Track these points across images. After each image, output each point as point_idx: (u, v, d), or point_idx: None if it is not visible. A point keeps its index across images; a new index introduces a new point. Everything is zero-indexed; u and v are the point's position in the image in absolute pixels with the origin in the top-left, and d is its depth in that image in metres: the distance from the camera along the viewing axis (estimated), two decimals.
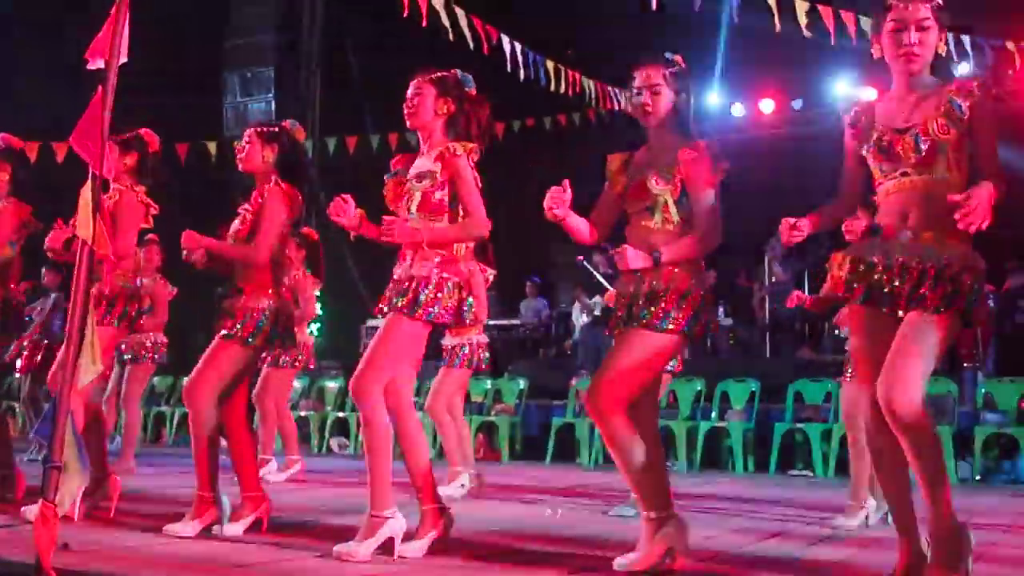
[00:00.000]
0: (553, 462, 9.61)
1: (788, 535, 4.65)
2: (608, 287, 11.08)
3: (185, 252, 4.15)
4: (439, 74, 3.80)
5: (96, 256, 3.01)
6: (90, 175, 3.01)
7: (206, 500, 4.08)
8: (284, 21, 14.06)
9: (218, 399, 4.11)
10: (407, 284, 3.63)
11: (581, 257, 11.50)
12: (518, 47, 7.29)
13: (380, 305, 3.71)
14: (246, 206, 4.23)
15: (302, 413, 11.22)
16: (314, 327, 10.22)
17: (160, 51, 13.46)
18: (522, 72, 7.67)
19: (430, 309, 3.59)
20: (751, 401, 9.34)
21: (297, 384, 11.94)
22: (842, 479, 6.58)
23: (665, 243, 3.39)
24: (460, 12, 6.01)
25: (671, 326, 3.33)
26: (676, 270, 3.37)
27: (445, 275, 3.64)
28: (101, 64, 3.08)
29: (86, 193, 2.99)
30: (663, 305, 3.34)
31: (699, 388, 9.52)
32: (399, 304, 3.61)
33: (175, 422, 11.86)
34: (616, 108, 11.63)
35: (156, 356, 7.44)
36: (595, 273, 11.32)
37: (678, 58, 3.54)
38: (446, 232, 3.68)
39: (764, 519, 5.30)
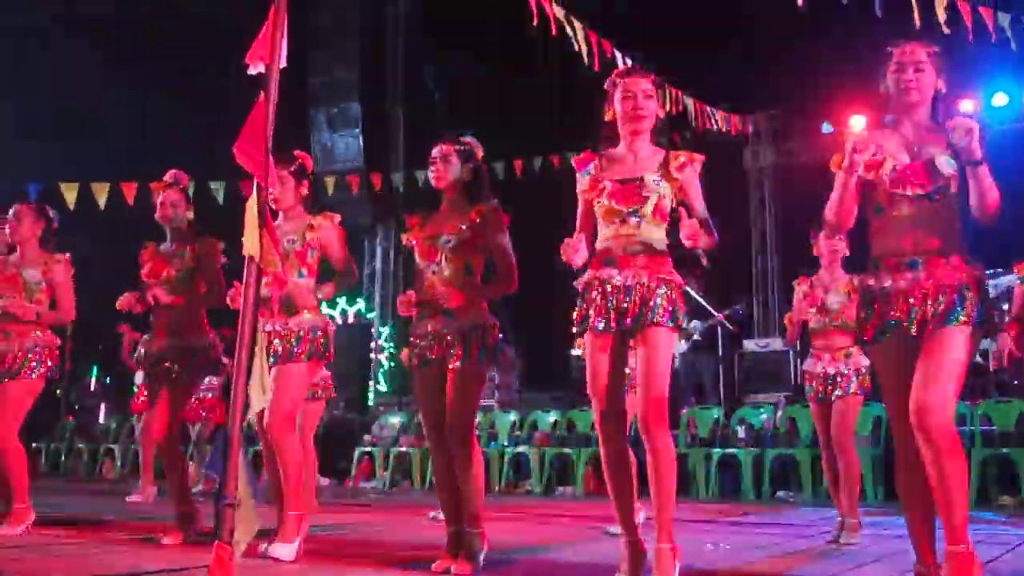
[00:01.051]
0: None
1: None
2: (712, 312, 10.79)
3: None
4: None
5: (263, 273, 2.76)
6: (255, 186, 2.78)
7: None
8: (367, 58, 14.04)
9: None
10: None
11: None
12: (629, 62, 7.04)
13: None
14: (462, 226, 3.92)
15: (403, 448, 10.99)
16: None
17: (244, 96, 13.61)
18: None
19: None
20: (877, 427, 8.85)
21: (396, 420, 11.77)
22: None
23: None
24: (578, 25, 5.77)
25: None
26: None
27: None
28: (261, 68, 2.86)
29: (251, 206, 2.75)
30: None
31: None
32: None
33: None
34: (714, 127, 11.29)
35: (324, 392, 7.06)
36: (696, 296, 10.91)
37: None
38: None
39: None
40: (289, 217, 4.43)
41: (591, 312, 3.43)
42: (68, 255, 5.26)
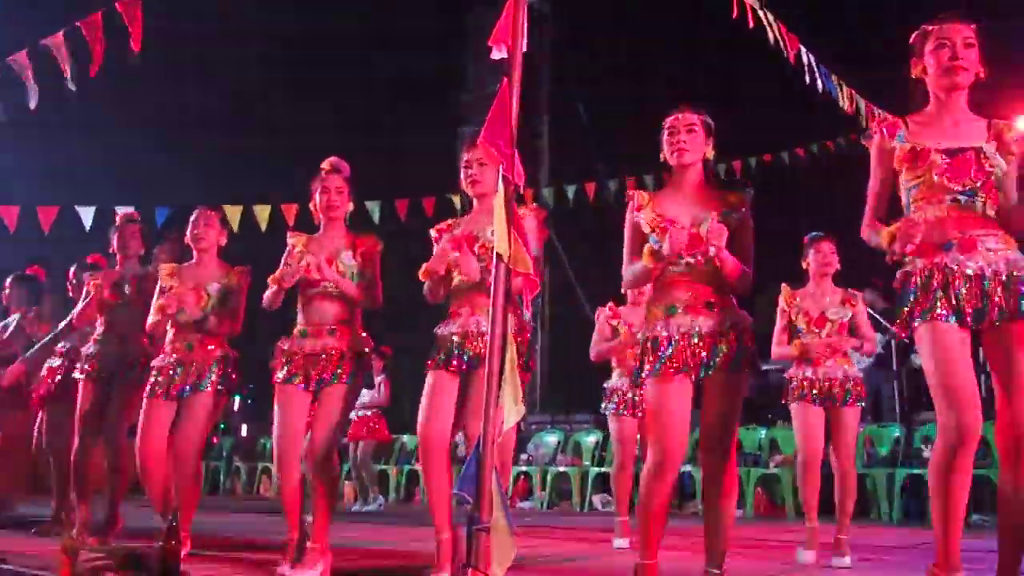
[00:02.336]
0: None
1: None
2: (886, 324, 10.21)
3: None
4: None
5: (513, 275, 2.51)
6: (500, 179, 2.54)
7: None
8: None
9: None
10: None
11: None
12: (812, 59, 6.64)
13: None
14: (724, 212, 3.49)
15: (561, 469, 10.72)
16: None
17: (397, 107, 13.70)
18: (820, 85, 6.98)
19: None
20: None
21: (553, 439, 11.52)
22: None
23: None
24: (771, 16, 5.43)
25: None
26: None
27: None
28: (504, 53, 2.63)
29: (499, 202, 2.51)
30: None
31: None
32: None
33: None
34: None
35: None
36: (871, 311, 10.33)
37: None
38: None
39: None
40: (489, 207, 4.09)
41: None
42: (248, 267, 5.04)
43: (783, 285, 5.36)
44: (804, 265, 5.31)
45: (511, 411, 2.43)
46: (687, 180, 3.48)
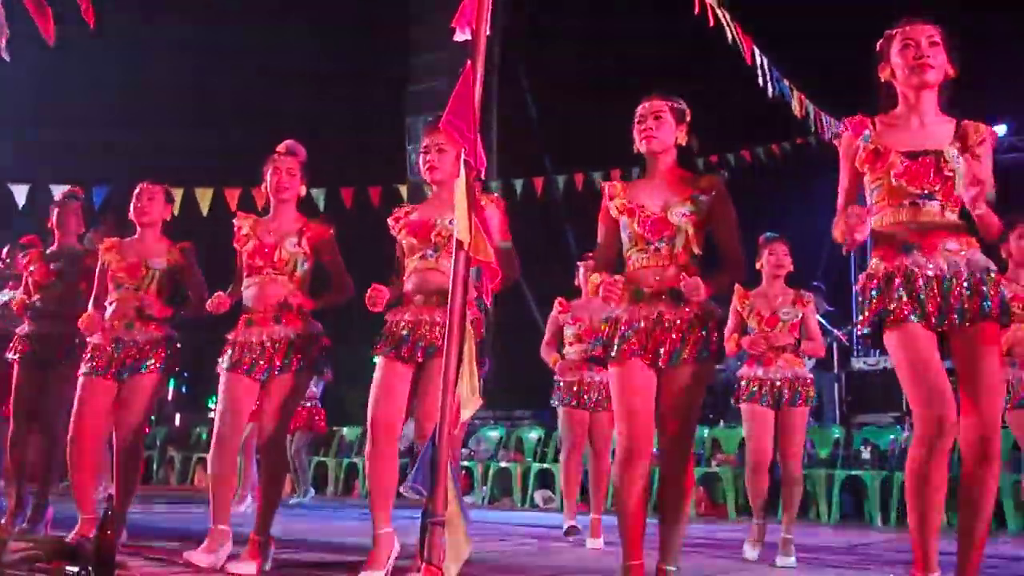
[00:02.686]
0: None
1: None
2: (828, 327, 10.33)
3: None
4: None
5: (472, 264, 2.44)
6: (462, 163, 2.47)
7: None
8: (462, 66, 13.79)
9: None
10: None
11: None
12: (766, 61, 6.67)
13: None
14: (692, 199, 3.41)
15: (503, 464, 10.67)
16: None
17: (345, 96, 13.51)
18: (770, 89, 7.01)
19: None
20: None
21: (495, 434, 11.46)
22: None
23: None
24: (728, 16, 5.42)
25: None
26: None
27: None
28: (468, 35, 2.55)
29: (460, 186, 2.44)
30: None
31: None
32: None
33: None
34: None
35: None
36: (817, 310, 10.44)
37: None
38: None
39: None
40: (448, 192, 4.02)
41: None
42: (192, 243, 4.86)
43: (736, 285, 5.32)
44: (757, 266, 5.33)
45: (467, 402, 2.36)
46: (657, 167, 3.43)
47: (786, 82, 7.62)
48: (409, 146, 13.84)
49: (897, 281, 2.98)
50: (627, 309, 3.29)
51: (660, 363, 3.20)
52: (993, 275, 2.99)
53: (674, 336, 3.19)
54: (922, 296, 2.95)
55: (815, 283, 10.34)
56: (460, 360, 2.36)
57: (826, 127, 10.23)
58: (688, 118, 3.44)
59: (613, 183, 3.46)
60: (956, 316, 2.93)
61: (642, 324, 3.24)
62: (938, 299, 2.94)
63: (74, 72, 10.52)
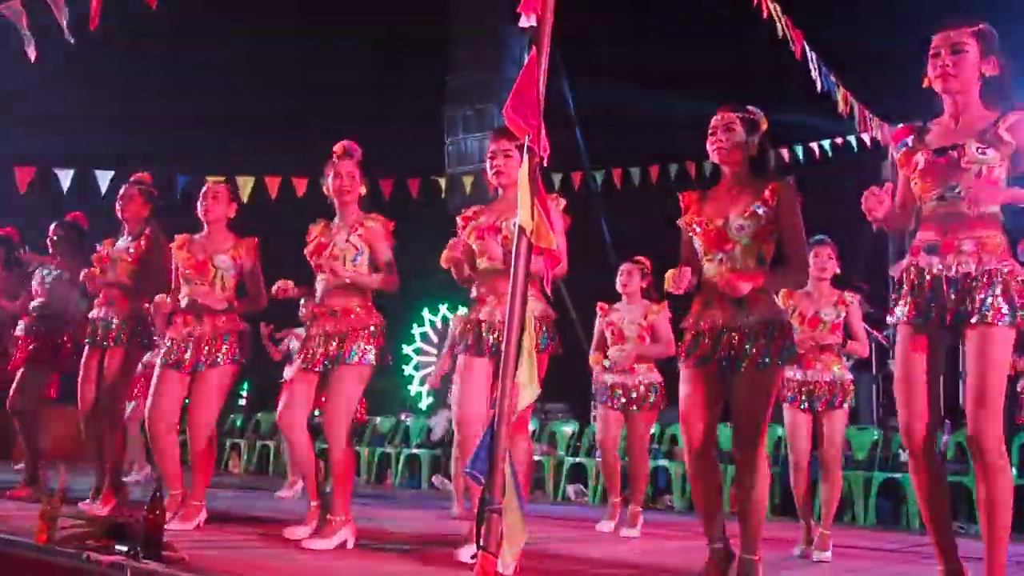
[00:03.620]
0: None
1: None
2: (870, 330, 10.22)
3: None
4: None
5: (535, 251, 2.43)
6: (526, 150, 2.46)
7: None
8: (503, 59, 13.79)
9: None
10: None
11: None
12: (815, 56, 6.61)
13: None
14: (755, 207, 3.50)
15: (537, 458, 10.65)
16: None
17: (381, 88, 13.51)
18: (819, 84, 6.94)
19: None
20: None
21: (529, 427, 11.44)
22: None
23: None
24: (779, 8, 5.38)
25: None
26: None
27: None
28: (533, 21, 2.54)
29: (523, 174, 2.43)
30: None
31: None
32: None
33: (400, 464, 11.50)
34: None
35: None
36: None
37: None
38: None
39: None
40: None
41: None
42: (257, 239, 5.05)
43: None
44: None
45: (526, 390, 2.35)
46: (730, 176, 3.59)
47: (833, 78, 7.55)
48: (447, 139, 13.84)
49: (908, 282, 3.07)
50: (698, 316, 3.48)
51: (727, 368, 3.39)
52: (1005, 275, 2.98)
53: (735, 342, 3.34)
54: (927, 294, 3.02)
55: (856, 284, 10.26)
56: (520, 348, 2.35)
57: (870, 126, 10.12)
58: (763, 128, 3.56)
59: (689, 193, 3.66)
60: (957, 317, 2.97)
61: (706, 332, 3.42)
62: (941, 299, 3.00)
63: None
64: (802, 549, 5.18)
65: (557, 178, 12.37)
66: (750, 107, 3.59)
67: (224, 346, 4.84)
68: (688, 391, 3.42)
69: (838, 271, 5.34)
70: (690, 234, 3.57)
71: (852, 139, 10.55)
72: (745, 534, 3.39)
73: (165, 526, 3.54)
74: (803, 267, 3.50)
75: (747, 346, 3.33)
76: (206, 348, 4.82)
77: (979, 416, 2.91)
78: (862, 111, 9.58)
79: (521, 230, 2.40)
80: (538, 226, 2.38)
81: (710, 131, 3.54)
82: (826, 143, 10.88)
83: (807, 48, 6.49)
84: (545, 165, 2.51)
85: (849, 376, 5.27)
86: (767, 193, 3.43)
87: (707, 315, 3.45)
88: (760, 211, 3.41)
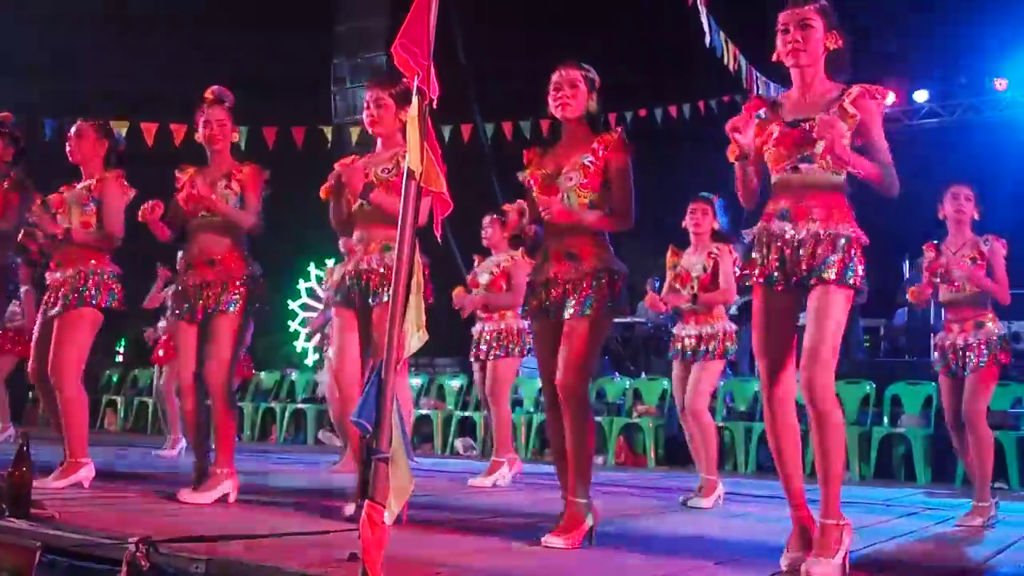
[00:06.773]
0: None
1: None
2: None
3: None
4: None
5: (423, 194, 2.36)
6: (415, 91, 2.38)
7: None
8: (393, 6, 13.51)
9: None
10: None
11: None
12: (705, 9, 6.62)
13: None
14: (586, 160, 3.63)
15: (423, 412, 10.63)
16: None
17: (269, 38, 13.10)
18: (708, 38, 6.98)
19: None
20: (927, 405, 8.55)
21: (416, 382, 11.37)
22: None
23: None
24: None
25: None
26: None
27: None
28: None
29: (412, 115, 2.35)
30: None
31: (868, 391, 8.79)
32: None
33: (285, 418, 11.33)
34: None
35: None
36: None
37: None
38: None
39: None
40: (386, 145, 4.08)
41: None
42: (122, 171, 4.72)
43: (670, 246, 5.61)
44: (684, 225, 5.45)
45: (413, 337, 2.30)
46: (570, 133, 3.67)
47: (721, 35, 7.62)
48: (333, 88, 13.53)
49: (759, 244, 3.20)
50: (539, 268, 3.66)
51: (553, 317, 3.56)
52: (850, 239, 3.09)
53: (565, 291, 3.52)
54: (774, 257, 3.14)
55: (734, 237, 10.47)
56: (408, 293, 2.29)
57: (758, 84, 10.30)
58: (598, 86, 3.65)
59: (532, 149, 3.75)
60: (803, 276, 3.09)
61: (540, 283, 3.61)
62: (787, 262, 3.11)
63: None
64: (685, 496, 5.33)
65: (447, 129, 12.24)
66: (588, 67, 3.66)
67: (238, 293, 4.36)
68: (535, 344, 3.71)
69: (715, 226, 5.42)
70: (530, 188, 3.68)
71: (738, 97, 10.70)
72: (578, 477, 3.50)
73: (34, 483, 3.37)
74: (625, 214, 3.57)
75: (572, 296, 3.48)
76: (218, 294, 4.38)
77: (811, 367, 3.01)
78: (750, 69, 9.75)
79: (410, 173, 2.32)
80: (427, 169, 2.30)
81: (553, 87, 3.61)
82: (712, 102, 11.02)
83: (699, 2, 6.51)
84: (434, 107, 2.42)
85: (729, 327, 5.36)
86: (596, 144, 3.57)
87: (544, 268, 3.61)
88: (587, 161, 3.54)
